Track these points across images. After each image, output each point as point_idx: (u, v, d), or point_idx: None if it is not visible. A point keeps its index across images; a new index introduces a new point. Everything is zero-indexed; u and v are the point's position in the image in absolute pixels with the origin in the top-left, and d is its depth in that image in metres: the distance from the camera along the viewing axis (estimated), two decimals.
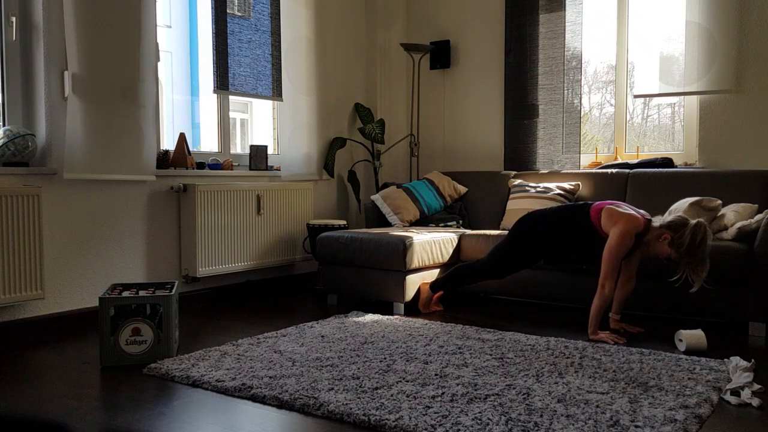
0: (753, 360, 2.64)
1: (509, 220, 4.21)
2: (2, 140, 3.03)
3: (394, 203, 4.38)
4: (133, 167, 3.46)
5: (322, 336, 3.11)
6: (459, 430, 1.94)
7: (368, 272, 3.78)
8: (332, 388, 2.32)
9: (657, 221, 3.11)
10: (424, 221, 4.45)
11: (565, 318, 3.63)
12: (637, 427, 1.97)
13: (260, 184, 4.14)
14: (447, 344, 2.95)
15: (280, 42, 4.45)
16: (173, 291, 2.85)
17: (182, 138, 3.83)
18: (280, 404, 2.22)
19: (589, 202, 3.31)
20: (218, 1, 4.02)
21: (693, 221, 3.00)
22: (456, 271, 3.59)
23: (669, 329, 3.34)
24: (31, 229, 3.05)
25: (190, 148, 3.90)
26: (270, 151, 4.73)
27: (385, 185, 4.75)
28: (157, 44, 3.56)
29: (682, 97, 4.22)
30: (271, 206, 4.22)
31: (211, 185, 3.82)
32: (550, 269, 3.75)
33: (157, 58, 3.58)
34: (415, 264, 3.67)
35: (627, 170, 4.10)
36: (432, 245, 3.79)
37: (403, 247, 3.60)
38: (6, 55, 3.17)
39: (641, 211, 3.19)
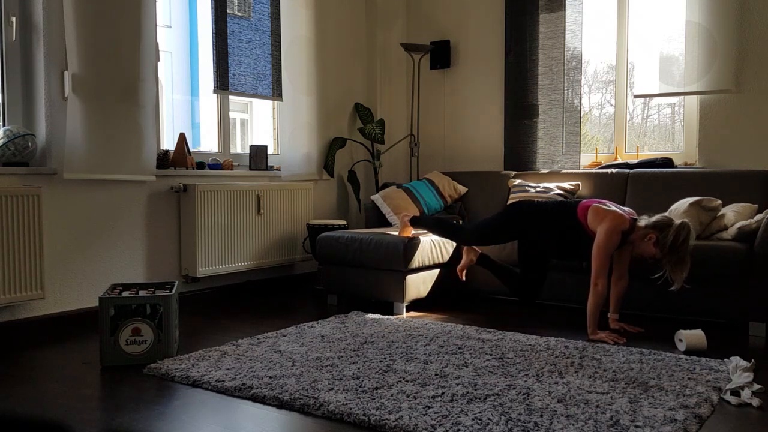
0: (753, 360, 2.64)
1: None
2: (2, 140, 3.03)
3: (394, 203, 4.38)
4: (133, 167, 3.46)
5: (322, 336, 3.11)
6: (459, 430, 1.94)
7: (368, 272, 3.78)
8: (332, 388, 2.32)
9: (643, 221, 3.12)
10: None
11: (565, 318, 3.63)
12: (637, 427, 1.97)
13: (260, 184, 4.14)
14: (447, 344, 2.95)
15: (280, 42, 4.45)
16: (173, 291, 2.85)
17: (182, 138, 3.83)
18: (280, 404, 2.22)
19: (578, 199, 3.34)
20: (218, 1, 4.02)
21: (678, 222, 3.02)
22: (440, 221, 3.66)
23: (669, 329, 3.34)
24: (31, 229, 3.05)
25: (190, 148, 3.90)
26: (270, 151, 4.73)
27: (385, 185, 4.74)
28: (157, 44, 3.56)
29: (682, 97, 4.22)
30: (271, 206, 4.22)
31: (211, 185, 3.82)
32: (550, 269, 3.75)
33: (157, 58, 3.58)
34: (415, 264, 3.67)
35: (627, 170, 4.10)
36: (432, 245, 3.79)
37: (403, 247, 3.60)
38: (6, 55, 3.17)
39: (627, 209, 3.22)
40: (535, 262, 3.43)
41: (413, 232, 3.79)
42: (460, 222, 3.82)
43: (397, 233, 3.75)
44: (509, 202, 3.59)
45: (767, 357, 2.83)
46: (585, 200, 3.29)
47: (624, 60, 4.42)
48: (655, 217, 3.09)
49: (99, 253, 3.44)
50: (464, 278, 3.77)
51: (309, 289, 4.60)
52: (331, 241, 3.89)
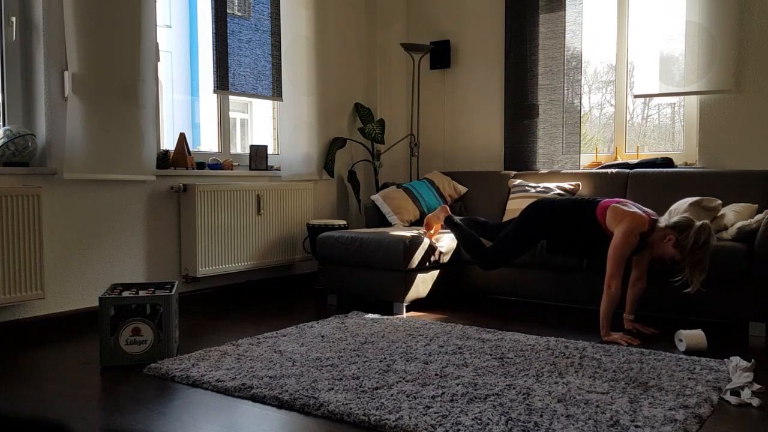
0: (753, 360, 2.64)
1: (509, 219, 4.20)
2: (2, 140, 3.03)
3: (394, 203, 4.38)
4: (133, 167, 3.46)
5: (322, 336, 3.11)
6: (459, 430, 1.94)
7: (368, 272, 3.78)
8: (332, 388, 2.32)
9: (663, 221, 3.09)
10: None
11: (565, 318, 3.63)
12: (637, 427, 1.97)
13: (260, 184, 4.14)
14: (447, 344, 2.95)
15: (280, 42, 4.45)
16: (173, 291, 2.85)
17: (182, 138, 3.83)
18: (280, 404, 2.22)
19: (598, 198, 3.30)
20: (218, 1, 4.02)
21: (698, 223, 2.98)
22: (470, 237, 3.62)
23: (669, 329, 3.34)
24: (31, 229, 3.05)
25: (190, 148, 3.90)
26: (270, 151, 4.73)
27: (385, 185, 4.74)
28: (157, 44, 3.56)
29: (682, 97, 4.22)
30: (271, 206, 4.22)
31: (211, 185, 3.82)
32: (551, 269, 3.75)
33: (157, 58, 3.58)
34: (415, 264, 3.67)
35: (627, 170, 4.10)
36: (432, 245, 3.79)
37: (403, 247, 3.59)
38: (6, 55, 3.17)
39: (647, 210, 3.18)
40: (519, 249, 3.44)
41: (439, 232, 3.85)
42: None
43: (396, 233, 3.75)
44: (528, 204, 3.55)
45: (767, 357, 2.83)
46: (605, 199, 3.26)
47: (624, 60, 4.42)
48: (675, 218, 3.04)
49: (99, 253, 3.44)
50: (435, 236, 3.84)
51: (309, 289, 4.60)
52: (331, 241, 3.89)
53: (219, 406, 2.22)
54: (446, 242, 3.92)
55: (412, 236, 3.68)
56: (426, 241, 3.73)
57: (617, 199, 3.25)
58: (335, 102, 4.90)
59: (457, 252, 4.04)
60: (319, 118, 4.63)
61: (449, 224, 3.76)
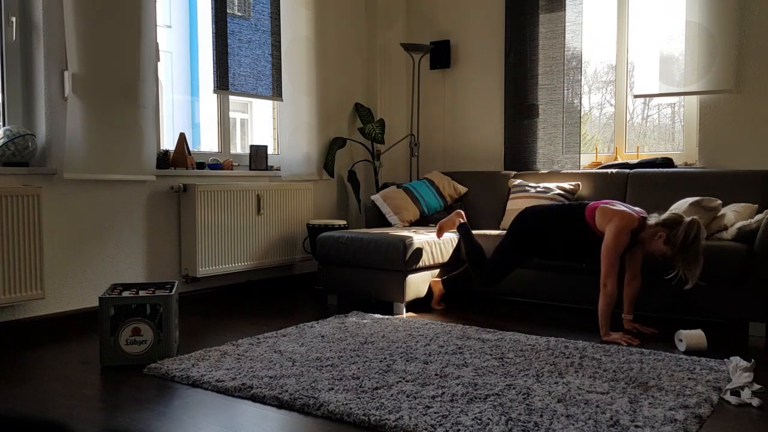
0: (753, 360, 2.64)
1: (509, 220, 4.21)
2: (2, 140, 3.03)
3: (394, 203, 4.38)
4: (133, 167, 3.46)
5: (322, 336, 3.11)
6: (459, 430, 1.94)
7: (368, 272, 3.78)
8: (332, 388, 2.32)
9: (652, 219, 3.12)
10: (424, 221, 4.45)
11: (565, 318, 3.63)
12: (637, 427, 1.97)
13: (260, 184, 4.14)
14: (447, 344, 2.95)
15: (280, 42, 4.45)
16: (173, 291, 2.85)
17: (182, 138, 3.83)
18: (280, 404, 2.22)
19: (585, 202, 3.34)
20: (218, 1, 4.02)
21: (687, 219, 3.01)
22: (478, 248, 3.65)
23: (669, 329, 3.34)
24: (31, 229, 3.05)
25: (190, 148, 3.90)
26: (270, 151, 4.72)
27: (385, 185, 4.74)
28: (157, 44, 3.56)
29: (682, 97, 4.22)
30: (271, 206, 4.22)
31: (211, 185, 3.82)
32: (551, 269, 3.75)
33: (157, 58, 3.58)
34: (415, 264, 3.67)
35: (627, 170, 4.10)
36: (432, 245, 3.79)
37: (403, 247, 3.59)
38: (6, 55, 3.17)
39: (636, 208, 3.21)
40: (515, 259, 3.46)
41: (446, 234, 3.89)
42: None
43: (396, 234, 3.74)
44: (516, 214, 3.57)
45: (767, 357, 2.83)
46: (593, 202, 3.29)
47: (624, 60, 4.42)
48: (665, 215, 3.08)
49: (99, 253, 3.44)
50: (442, 306, 3.88)
51: (309, 289, 4.60)
52: (331, 241, 3.89)
53: (219, 406, 2.22)
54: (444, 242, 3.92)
55: (412, 236, 3.68)
56: (422, 238, 3.73)
57: (605, 200, 3.28)
58: (335, 102, 4.90)
59: (456, 252, 4.04)
60: (319, 118, 4.63)
61: (462, 231, 3.74)
